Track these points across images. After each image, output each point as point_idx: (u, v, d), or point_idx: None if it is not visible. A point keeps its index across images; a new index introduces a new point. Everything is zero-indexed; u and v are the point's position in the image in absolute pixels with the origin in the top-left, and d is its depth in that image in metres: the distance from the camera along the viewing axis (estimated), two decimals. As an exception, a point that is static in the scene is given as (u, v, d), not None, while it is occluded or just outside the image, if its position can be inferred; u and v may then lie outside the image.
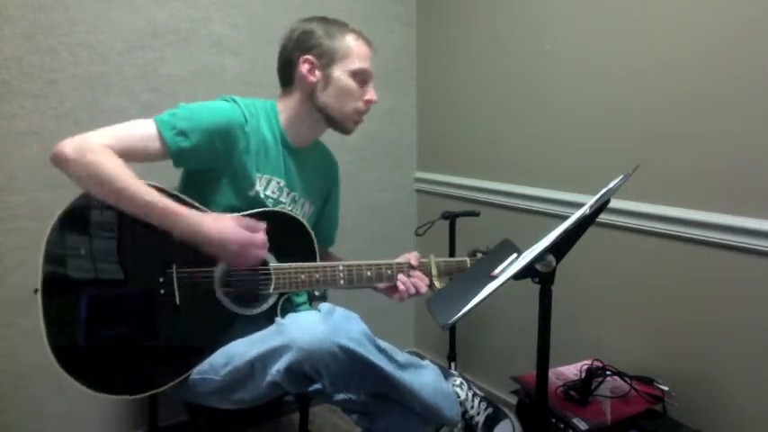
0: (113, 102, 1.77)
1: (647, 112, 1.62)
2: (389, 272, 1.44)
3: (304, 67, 1.38)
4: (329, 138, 2.21)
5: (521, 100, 1.99)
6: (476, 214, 1.91)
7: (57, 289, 1.17)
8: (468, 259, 1.58)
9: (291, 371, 1.14)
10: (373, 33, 2.29)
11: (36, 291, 1.16)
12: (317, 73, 1.39)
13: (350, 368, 1.14)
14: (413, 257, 1.49)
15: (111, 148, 1.20)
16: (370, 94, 1.43)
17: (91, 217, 1.21)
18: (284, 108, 1.43)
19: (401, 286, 1.44)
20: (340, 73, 1.39)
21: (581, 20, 1.78)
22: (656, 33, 1.59)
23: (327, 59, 1.38)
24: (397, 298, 1.46)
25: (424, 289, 1.46)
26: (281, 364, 1.15)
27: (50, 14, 1.66)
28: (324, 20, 1.43)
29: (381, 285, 1.48)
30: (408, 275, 1.46)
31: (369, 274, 1.43)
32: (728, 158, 1.46)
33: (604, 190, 1.16)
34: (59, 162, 1.18)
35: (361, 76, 1.41)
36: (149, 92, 1.83)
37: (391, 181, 2.44)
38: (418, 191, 2.51)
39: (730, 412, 1.49)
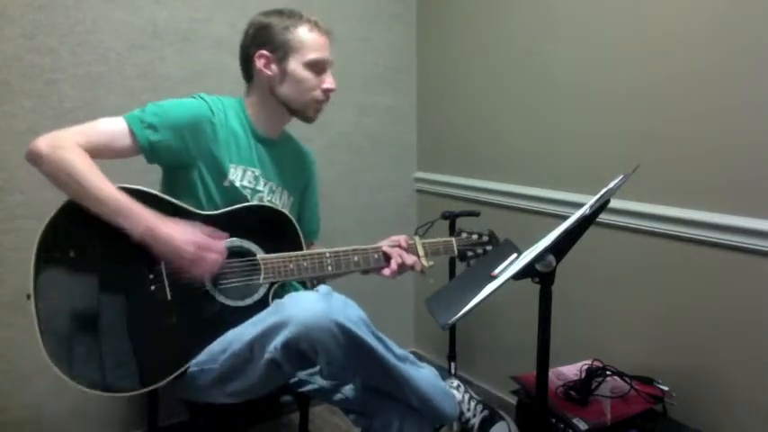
0: (113, 102, 1.77)
1: (648, 111, 1.62)
2: (376, 255, 1.47)
3: (260, 62, 1.41)
4: (328, 136, 2.22)
5: (521, 100, 1.99)
6: (476, 214, 1.91)
7: (49, 292, 1.18)
8: (453, 239, 1.60)
9: (289, 347, 1.14)
10: (373, 33, 2.32)
11: (29, 296, 1.17)
12: (273, 67, 1.41)
13: (346, 349, 1.14)
14: (401, 239, 1.51)
15: (82, 145, 1.23)
16: (328, 82, 1.44)
17: (79, 219, 1.21)
18: (250, 102, 1.47)
19: (395, 255, 1.45)
20: (295, 65, 1.40)
21: (581, 20, 1.78)
22: (657, 34, 1.59)
23: (282, 53, 1.40)
24: (388, 273, 1.47)
25: (411, 261, 1.47)
26: (278, 341, 1.15)
27: (50, 14, 1.66)
28: (279, 12, 1.44)
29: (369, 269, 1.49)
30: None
31: (356, 259, 1.45)
32: (728, 158, 1.46)
33: (604, 190, 1.16)
34: (34, 158, 1.21)
35: (317, 66, 1.42)
36: (149, 92, 1.82)
37: (391, 181, 2.44)
38: (418, 191, 2.51)
39: (730, 412, 1.49)
